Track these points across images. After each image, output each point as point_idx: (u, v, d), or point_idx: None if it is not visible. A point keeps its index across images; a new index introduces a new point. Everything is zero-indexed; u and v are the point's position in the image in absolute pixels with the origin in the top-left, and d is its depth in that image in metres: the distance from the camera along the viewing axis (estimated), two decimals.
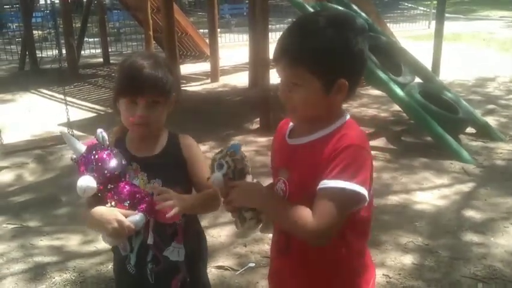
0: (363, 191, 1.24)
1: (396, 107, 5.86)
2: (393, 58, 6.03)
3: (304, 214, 1.25)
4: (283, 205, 1.34)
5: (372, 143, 5.29)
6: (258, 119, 5.98)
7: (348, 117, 1.38)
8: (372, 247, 3.26)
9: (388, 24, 9.70)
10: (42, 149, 5.36)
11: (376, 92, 6.84)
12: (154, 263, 1.68)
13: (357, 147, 1.28)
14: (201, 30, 11.31)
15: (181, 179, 1.68)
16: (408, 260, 3.11)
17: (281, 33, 1.38)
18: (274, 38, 9.58)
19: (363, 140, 1.33)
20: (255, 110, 6.13)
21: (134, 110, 1.59)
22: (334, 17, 1.34)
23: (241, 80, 8.61)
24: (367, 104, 6.86)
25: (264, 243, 3.26)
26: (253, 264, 3.12)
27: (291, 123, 1.47)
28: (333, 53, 1.27)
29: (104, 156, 1.56)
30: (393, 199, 3.96)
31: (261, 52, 5.86)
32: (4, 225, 3.76)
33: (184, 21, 9.90)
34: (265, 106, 5.79)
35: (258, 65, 6.25)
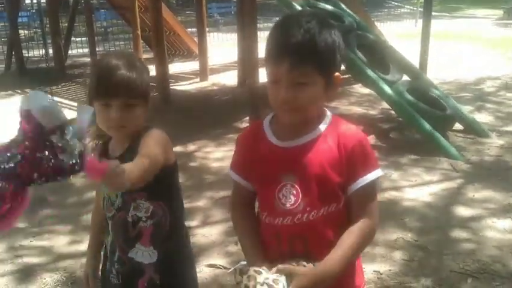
0: (381, 171, 1.40)
1: (385, 105, 5.90)
2: (381, 56, 6.07)
3: (359, 231, 1.34)
4: (345, 252, 1.32)
5: None
6: (248, 118, 5.99)
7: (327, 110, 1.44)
8: None
9: (375, 23, 9.76)
10: None
11: (365, 90, 6.88)
12: (119, 264, 1.67)
13: (365, 137, 1.40)
14: (189, 29, 11.28)
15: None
16: (398, 256, 3.14)
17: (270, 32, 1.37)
18: (262, 37, 9.60)
19: (360, 129, 1.43)
20: (244, 109, 6.14)
21: (109, 112, 1.53)
22: (322, 15, 1.38)
23: (230, 78, 8.61)
24: (356, 102, 6.90)
25: None
26: (245, 262, 3.12)
27: (266, 126, 1.44)
28: (335, 50, 1.32)
29: None
30: (383, 196, 3.99)
31: (250, 51, 5.86)
32: None
33: (172, 20, 9.87)
34: (255, 104, 5.79)
35: (246, 63, 6.24)
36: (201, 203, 3.97)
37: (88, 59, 10.83)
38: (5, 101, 7.71)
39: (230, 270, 3.07)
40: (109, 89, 1.52)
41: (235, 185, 1.53)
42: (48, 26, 9.39)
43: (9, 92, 8.11)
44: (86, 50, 11.43)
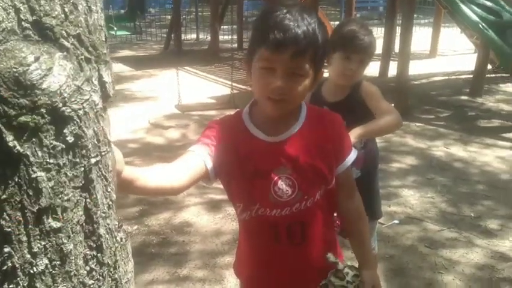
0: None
1: None
2: None
3: (361, 211, 1.53)
4: (368, 243, 1.57)
5: None
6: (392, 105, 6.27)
7: None
8: None
9: None
10: (216, 110, 6.27)
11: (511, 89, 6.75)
12: None
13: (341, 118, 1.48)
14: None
15: (363, 117, 2.10)
16: None
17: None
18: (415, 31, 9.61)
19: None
20: (386, 98, 6.38)
21: (348, 64, 2.08)
22: (315, 12, 1.40)
23: (370, 69, 8.88)
24: (503, 100, 6.83)
25: (405, 207, 3.62)
26: (398, 222, 3.52)
27: (246, 119, 1.40)
28: (326, 48, 1.34)
29: None
30: None
31: (405, 43, 6.21)
32: None
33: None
34: (402, 94, 6.05)
35: (399, 55, 6.43)
36: None
37: (234, 45, 11.68)
38: (166, 73, 8.75)
39: (385, 225, 3.43)
40: (356, 46, 2.07)
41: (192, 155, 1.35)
42: (197, 13, 10.27)
43: (172, 69, 9.20)
44: (227, 37, 12.19)
